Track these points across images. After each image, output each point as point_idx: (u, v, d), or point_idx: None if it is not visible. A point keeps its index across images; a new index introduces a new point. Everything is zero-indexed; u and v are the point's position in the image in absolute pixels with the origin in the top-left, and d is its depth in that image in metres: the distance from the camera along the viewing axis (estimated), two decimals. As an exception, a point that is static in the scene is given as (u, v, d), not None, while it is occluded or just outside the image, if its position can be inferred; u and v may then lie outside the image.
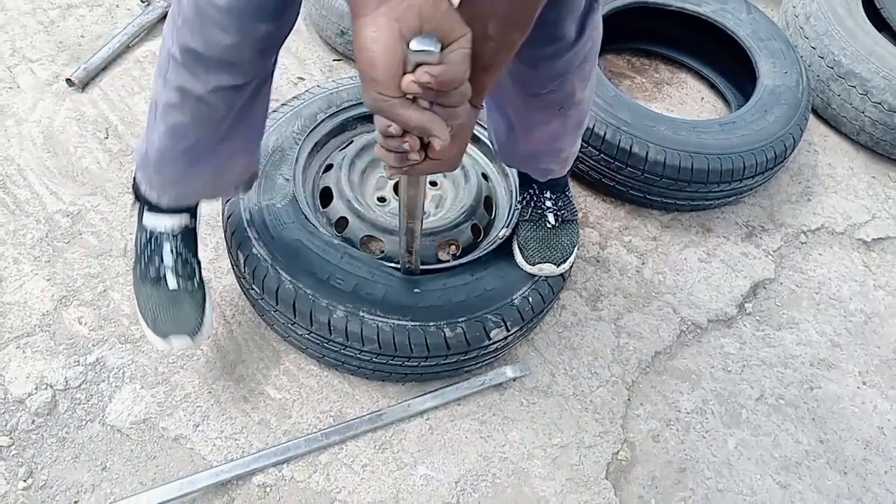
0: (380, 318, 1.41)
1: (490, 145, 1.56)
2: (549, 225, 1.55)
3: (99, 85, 2.16)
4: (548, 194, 1.57)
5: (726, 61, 2.43)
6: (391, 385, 1.63)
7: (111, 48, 2.21)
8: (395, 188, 1.71)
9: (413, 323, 1.42)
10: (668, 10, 2.38)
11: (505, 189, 1.75)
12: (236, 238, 1.50)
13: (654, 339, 1.80)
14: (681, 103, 2.46)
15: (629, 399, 1.69)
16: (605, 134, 1.89)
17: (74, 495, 1.42)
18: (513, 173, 1.72)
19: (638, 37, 2.56)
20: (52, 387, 1.55)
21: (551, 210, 1.57)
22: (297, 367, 1.64)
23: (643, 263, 1.96)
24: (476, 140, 1.81)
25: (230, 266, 1.66)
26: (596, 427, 1.63)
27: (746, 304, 1.92)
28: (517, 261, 1.54)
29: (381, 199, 1.70)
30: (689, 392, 1.72)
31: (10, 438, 1.47)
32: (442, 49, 0.67)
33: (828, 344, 1.87)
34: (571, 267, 1.60)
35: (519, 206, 1.61)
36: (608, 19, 2.26)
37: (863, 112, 2.29)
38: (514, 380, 1.66)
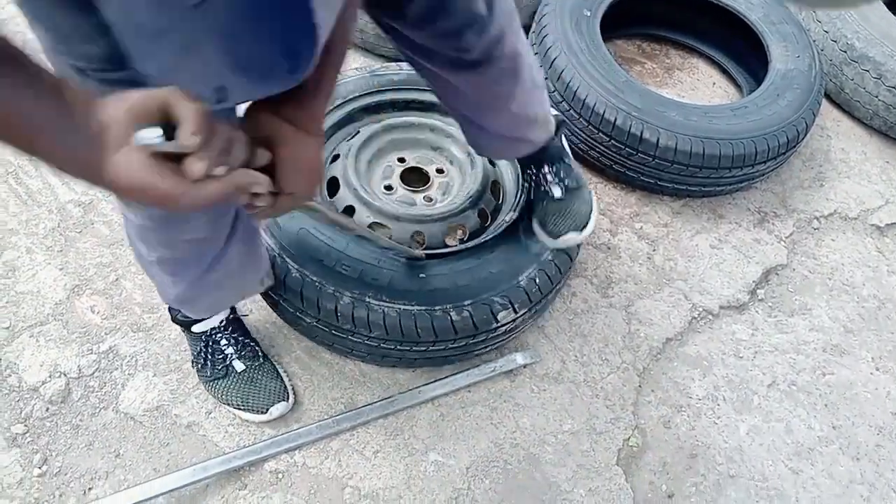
0: (386, 304, 1.41)
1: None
2: (556, 197, 1.55)
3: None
4: (546, 169, 1.57)
5: (738, 46, 2.41)
6: (402, 372, 1.63)
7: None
8: (402, 177, 1.72)
9: (419, 307, 1.42)
10: (678, -6, 2.36)
11: (512, 173, 1.75)
12: None
13: (665, 325, 1.80)
14: (692, 88, 2.44)
15: (640, 386, 1.69)
16: (615, 120, 1.88)
17: (89, 482, 1.43)
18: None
19: (648, 22, 2.54)
20: (65, 375, 1.56)
21: (554, 182, 1.57)
22: (309, 354, 1.64)
23: (654, 250, 1.95)
24: None
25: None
26: (607, 413, 1.62)
27: (758, 291, 1.91)
28: (543, 241, 1.54)
29: (388, 188, 1.70)
30: (701, 378, 1.72)
31: (25, 426, 1.49)
32: (169, 130, 0.60)
33: (840, 330, 1.85)
34: (591, 232, 1.60)
35: (525, 190, 1.61)
36: (619, 5, 2.24)
37: (876, 96, 2.26)
38: (525, 367, 1.66)
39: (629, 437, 1.60)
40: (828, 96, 2.43)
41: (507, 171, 1.76)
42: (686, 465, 1.58)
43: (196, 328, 1.53)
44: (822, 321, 1.87)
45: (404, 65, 1.88)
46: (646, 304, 1.83)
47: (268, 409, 1.50)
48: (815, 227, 2.08)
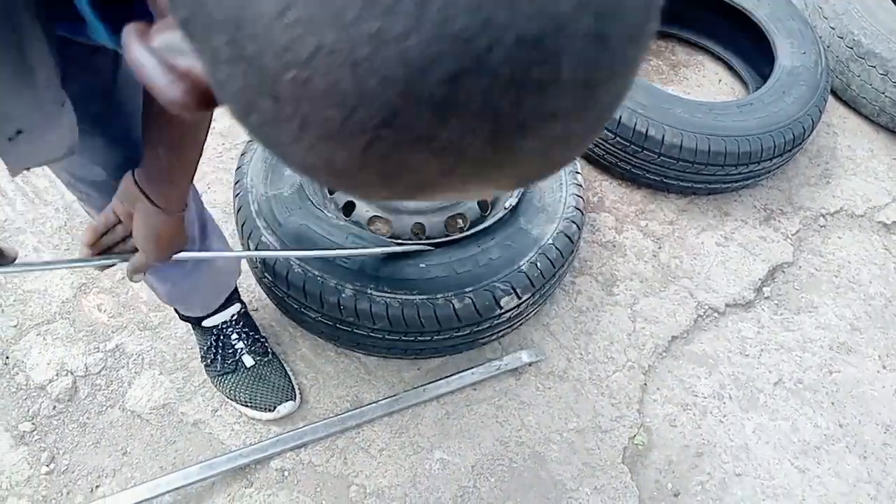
0: (388, 295, 1.42)
1: None
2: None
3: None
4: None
5: (744, 42, 2.40)
6: (407, 370, 1.63)
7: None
8: None
9: (421, 297, 1.42)
10: (684, -9, 2.35)
11: None
12: (246, 229, 1.51)
13: (670, 323, 1.79)
14: (698, 85, 2.43)
15: (645, 384, 1.68)
16: (620, 117, 1.88)
17: (96, 479, 1.44)
18: None
19: (654, 19, 2.53)
20: (72, 373, 1.57)
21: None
22: (314, 352, 1.65)
23: (660, 248, 1.95)
24: None
25: (246, 253, 1.68)
26: (612, 412, 1.62)
27: (764, 288, 1.90)
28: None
29: None
30: (707, 376, 1.71)
31: (33, 424, 1.50)
32: None
33: (847, 328, 1.85)
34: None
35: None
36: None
37: (883, 93, 2.25)
38: (530, 364, 1.66)
39: (635, 436, 1.60)
40: (834, 93, 2.42)
41: None
42: (692, 463, 1.58)
43: (206, 323, 1.53)
44: (828, 319, 1.86)
45: None
46: (651, 301, 1.83)
47: (275, 408, 1.51)
48: (821, 225, 2.07)
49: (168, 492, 1.39)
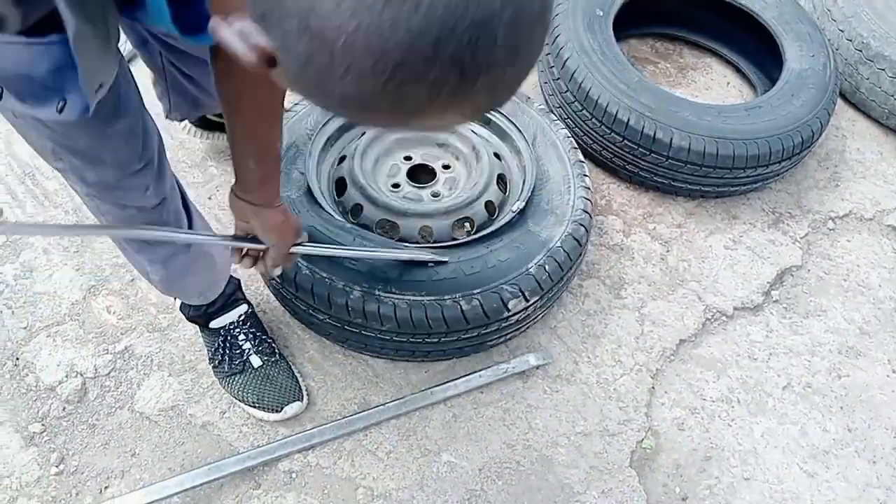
0: (396, 296, 1.42)
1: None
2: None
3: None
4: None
5: (752, 45, 2.39)
6: (414, 372, 1.64)
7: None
8: (408, 174, 1.74)
9: (429, 298, 1.43)
10: (692, -7, 2.35)
11: (518, 166, 1.76)
12: None
13: (678, 326, 1.79)
14: (706, 88, 2.43)
15: (653, 387, 1.68)
16: (628, 120, 1.88)
17: (105, 481, 1.45)
18: (525, 150, 1.72)
19: (662, 21, 2.53)
20: (81, 374, 1.58)
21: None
22: (322, 355, 1.65)
23: (668, 251, 1.95)
24: (487, 122, 1.81)
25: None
26: (620, 415, 1.62)
27: (773, 292, 1.90)
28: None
29: (395, 186, 1.71)
30: (715, 380, 1.71)
31: (42, 425, 1.50)
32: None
33: (856, 331, 1.84)
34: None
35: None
36: (632, 4, 2.23)
37: (892, 96, 2.24)
38: (538, 367, 1.66)
39: (642, 439, 1.60)
40: (843, 96, 2.41)
41: (513, 164, 1.77)
42: (700, 467, 1.57)
43: (214, 324, 1.55)
44: (837, 323, 1.85)
45: None
46: (659, 305, 1.82)
47: (282, 408, 1.52)
48: (830, 228, 2.07)
49: (176, 493, 1.39)
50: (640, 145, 1.90)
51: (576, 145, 1.76)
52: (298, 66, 0.53)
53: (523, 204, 1.58)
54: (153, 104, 1.32)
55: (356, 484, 1.47)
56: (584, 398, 1.64)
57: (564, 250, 1.54)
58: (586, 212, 1.61)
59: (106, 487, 1.44)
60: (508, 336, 1.62)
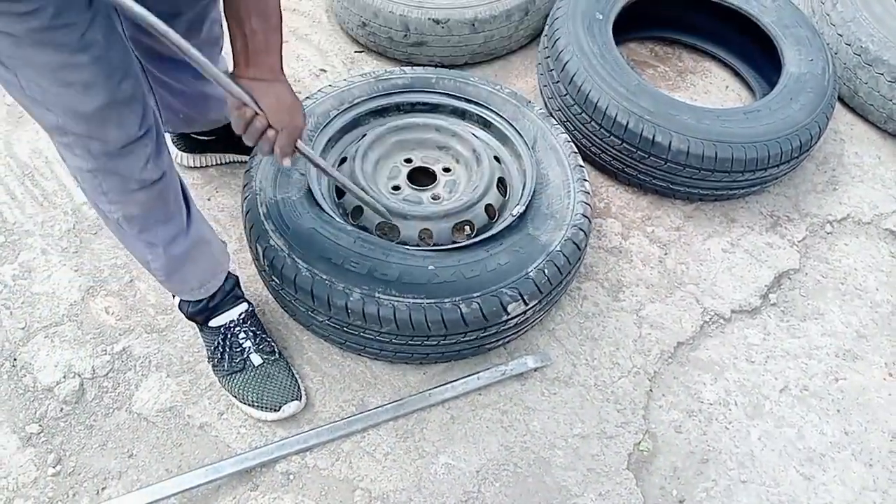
0: (395, 298, 1.43)
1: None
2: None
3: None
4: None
5: (751, 49, 2.39)
6: (413, 374, 1.64)
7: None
8: (409, 176, 1.74)
9: (429, 301, 1.43)
10: (691, -3, 2.36)
11: (518, 170, 1.76)
12: (254, 232, 1.52)
13: (676, 329, 1.79)
14: (705, 92, 2.43)
15: (651, 390, 1.68)
16: (627, 123, 1.88)
17: (102, 481, 1.45)
18: (525, 154, 1.72)
19: (661, 25, 2.53)
20: (79, 375, 1.58)
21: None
22: (320, 356, 1.65)
23: (666, 254, 1.95)
24: (488, 125, 1.82)
25: (252, 259, 1.68)
26: (617, 418, 1.62)
27: (771, 295, 1.90)
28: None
29: (396, 188, 1.71)
30: (712, 383, 1.71)
31: (40, 426, 1.50)
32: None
33: (853, 335, 1.84)
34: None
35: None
36: (631, 8, 2.24)
37: (891, 100, 2.25)
38: (536, 370, 1.66)
39: (640, 442, 1.60)
40: (841, 100, 2.41)
41: (513, 168, 1.77)
42: (697, 470, 1.58)
43: (214, 322, 1.55)
44: (834, 326, 1.86)
45: (408, 69, 1.90)
46: (657, 307, 1.83)
47: (280, 407, 1.51)
48: (827, 232, 2.07)
49: (174, 494, 1.39)
50: (638, 148, 1.91)
51: (575, 150, 1.76)
52: None
53: (523, 208, 1.58)
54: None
55: (354, 485, 1.48)
56: (581, 400, 1.64)
57: (564, 255, 1.54)
58: (586, 216, 1.62)
59: (103, 488, 1.44)
60: (507, 339, 1.63)
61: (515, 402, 1.62)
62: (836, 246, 2.04)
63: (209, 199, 1.91)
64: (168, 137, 1.84)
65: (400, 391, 1.61)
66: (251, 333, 1.57)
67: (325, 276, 1.44)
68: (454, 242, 1.58)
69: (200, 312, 1.53)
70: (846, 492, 1.57)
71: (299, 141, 1.20)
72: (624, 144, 1.93)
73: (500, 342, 1.62)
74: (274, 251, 1.48)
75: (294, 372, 1.59)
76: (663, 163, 1.90)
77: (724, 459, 1.59)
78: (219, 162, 1.94)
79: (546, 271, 1.51)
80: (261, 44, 1.12)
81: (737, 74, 2.49)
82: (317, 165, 1.34)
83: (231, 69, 1.17)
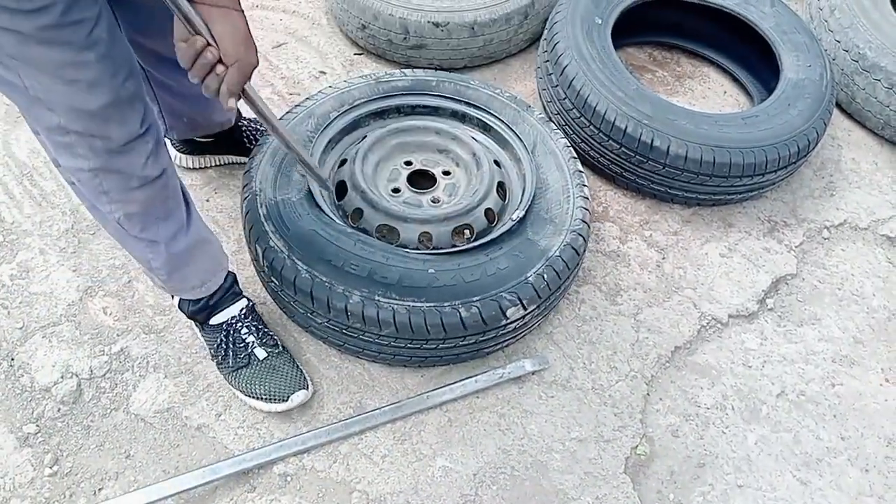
0: (395, 301, 1.43)
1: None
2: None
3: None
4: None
5: (749, 55, 2.40)
6: (410, 377, 1.64)
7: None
8: (409, 179, 1.74)
9: (428, 304, 1.43)
10: (689, 2, 2.36)
11: (517, 174, 1.76)
12: (254, 233, 1.52)
13: (673, 333, 1.80)
14: (703, 97, 2.44)
15: (648, 394, 1.69)
16: (626, 127, 1.89)
17: (99, 482, 1.44)
18: (525, 158, 1.73)
19: (659, 30, 2.54)
20: (77, 376, 1.58)
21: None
22: (318, 358, 1.65)
23: (664, 258, 1.95)
24: (487, 129, 1.82)
25: (251, 260, 1.68)
26: (615, 421, 1.63)
27: (768, 300, 1.90)
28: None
29: (395, 190, 1.71)
30: (709, 387, 1.72)
31: (37, 426, 1.50)
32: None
33: (850, 340, 1.85)
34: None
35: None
36: (630, 13, 2.25)
37: (888, 106, 2.26)
38: (533, 373, 1.67)
39: (637, 446, 1.60)
40: (839, 106, 2.42)
41: (512, 172, 1.78)
42: (694, 474, 1.58)
43: (215, 320, 1.55)
44: (831, 331, 1.86)
45: (409, 71, 1.90)
46: (654, 312, 1.83)
47: (289, 397, 1.51)
48: (825, 237, 2.08)
49: (171, 495, 1.39)
50: (637, 153, 1.91)
51: (574, 154, 1.77)
52: None
53: (523, 213, 1.59)
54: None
55: (351, 488, 1.48)
56: (579, 404, 1.64)
57: (563, 260, 1.54)
58: (585, 222, 1.62)
59: (100, 489, 1.44)
60: (505, 343, 1.63)
61: (513, 406, 1.62)
62: (834, 251, 2.05)
63: (208, 201, 1.91)
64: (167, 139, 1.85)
65: (398, 394, 1.62)
66: (253, 328, 1.58)
67: (324, 278, 1.44)
68: (454, 246, 1.58)
69: (201, 311, 1.53)
70: (842, 497, 1.57)
71: (248, 83, 1.11)
72: (622, 149, 1.93)
73: (499, 346, 1.62)
74: (274, 252, 1.48)
75: (298, 363, 1.60)
76: (661, 167, 1.91)
77: (721, 464, 1.60)
78: (217, 163, 1.95)
79: (545, 276, 1.51)
80: None
81: (735, 80, 2.50)
82: (261, 115, 1.24)
83: None
